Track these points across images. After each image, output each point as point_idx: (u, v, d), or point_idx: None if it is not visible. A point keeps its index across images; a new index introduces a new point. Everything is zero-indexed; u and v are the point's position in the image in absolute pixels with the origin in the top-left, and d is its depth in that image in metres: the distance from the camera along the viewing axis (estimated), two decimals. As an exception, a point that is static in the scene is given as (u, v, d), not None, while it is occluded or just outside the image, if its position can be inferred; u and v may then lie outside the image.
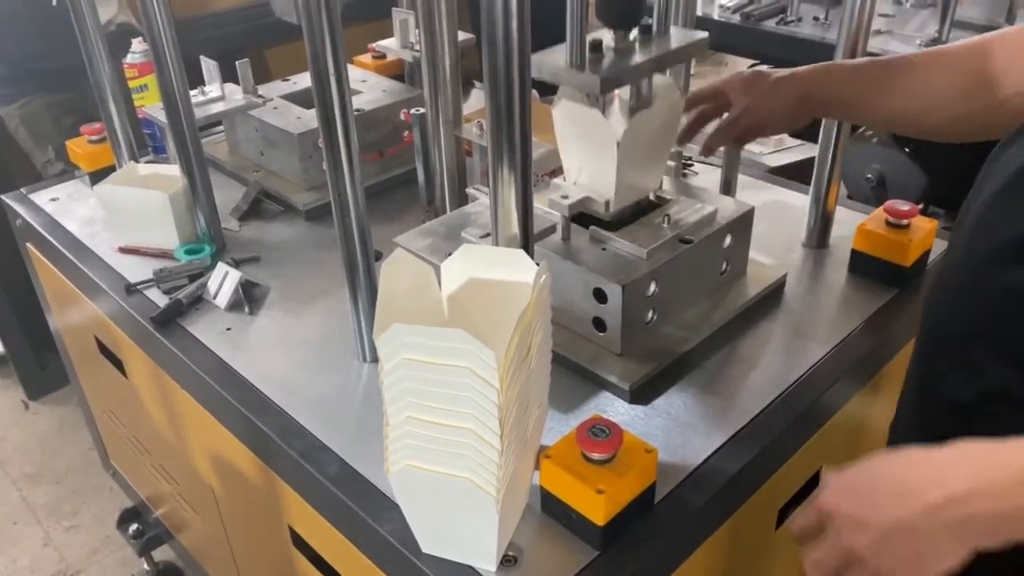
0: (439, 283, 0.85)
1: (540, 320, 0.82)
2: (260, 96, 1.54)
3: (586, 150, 1.10)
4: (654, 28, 1.05)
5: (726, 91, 1.15)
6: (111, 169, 1.51)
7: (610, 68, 0.99)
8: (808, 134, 2.46)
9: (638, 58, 1.02)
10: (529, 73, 0.82)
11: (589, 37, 0.99)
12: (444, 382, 0.73)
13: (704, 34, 1.07)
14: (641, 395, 1.06)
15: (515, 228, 0.90)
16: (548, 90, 1.09)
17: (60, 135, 1.96)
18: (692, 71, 1.48)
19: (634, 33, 1.03)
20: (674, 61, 1.08)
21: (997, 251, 0.78)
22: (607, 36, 1.03)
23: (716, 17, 2.62)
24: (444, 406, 0.74)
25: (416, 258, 0.84)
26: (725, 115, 1.16)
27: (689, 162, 1.53)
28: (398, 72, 1.76)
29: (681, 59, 1.11)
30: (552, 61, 1.00)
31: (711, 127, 1.19)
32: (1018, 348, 0.76)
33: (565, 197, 1.10)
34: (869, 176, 2.50)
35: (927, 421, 0.90)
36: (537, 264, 0.82)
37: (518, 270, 0.83)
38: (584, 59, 0.99)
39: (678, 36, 1.06)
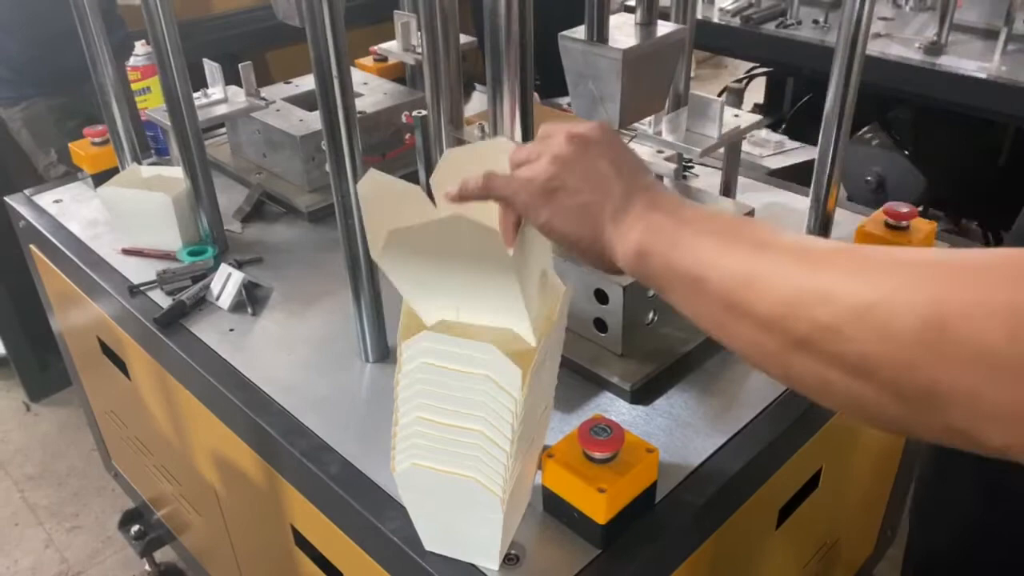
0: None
1: (557, 333, 0.82)
2: (262, 98, 1.55)
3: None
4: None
5: None
6: (114, 171, 1.51)
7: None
8: (808, 136, 2.48)
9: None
10: (531, 76, 0.83)
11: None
12: (462, 387, 0.73)
13: None
14: (642, 395, 1.06)
15: (517, 229, 0.90)
16: (549, 92, 1.10)
17: (62, 138, 1.96)
18: (692, 74, 1.49)
19: None
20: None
21: None
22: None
23: (716, 20, 2.62)
24: (457, 408, 0.75)
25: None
26: None
27: (689, 164, 1.54)
28: (399, 75, 1.77)
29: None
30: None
31: None
32: None
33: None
34: (869, 178, 2.51)
35: None
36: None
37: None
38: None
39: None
